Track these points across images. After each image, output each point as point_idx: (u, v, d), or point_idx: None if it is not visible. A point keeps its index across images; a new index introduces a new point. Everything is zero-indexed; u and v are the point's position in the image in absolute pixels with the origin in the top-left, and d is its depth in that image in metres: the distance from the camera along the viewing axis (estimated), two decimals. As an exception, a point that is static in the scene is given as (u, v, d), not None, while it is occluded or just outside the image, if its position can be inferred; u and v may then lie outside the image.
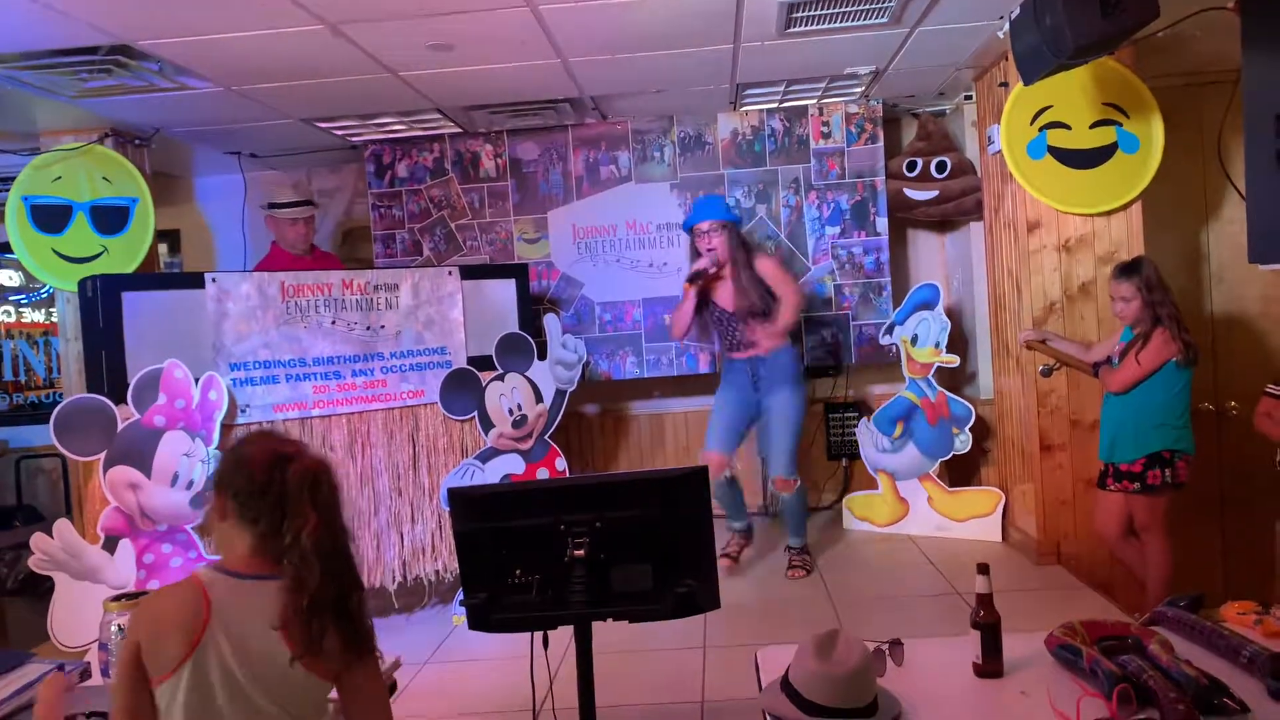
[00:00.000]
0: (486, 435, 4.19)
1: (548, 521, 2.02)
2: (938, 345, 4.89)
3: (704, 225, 4.34)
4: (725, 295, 4.40)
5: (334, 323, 3.92)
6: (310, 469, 1.75)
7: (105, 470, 3.33)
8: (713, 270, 4.31)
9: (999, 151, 4.31)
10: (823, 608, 3.94)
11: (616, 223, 5.39)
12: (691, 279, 4.33)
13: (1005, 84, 4.32)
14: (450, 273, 4.28)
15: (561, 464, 4.39)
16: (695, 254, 4.43)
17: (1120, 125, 4.14)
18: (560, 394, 4.42)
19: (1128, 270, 3.74)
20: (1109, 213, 4.22)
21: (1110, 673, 1.77)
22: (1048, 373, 4.24)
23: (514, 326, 4.41)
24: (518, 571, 2.05)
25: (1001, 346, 4.77)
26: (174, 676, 1.62)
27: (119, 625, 2.48)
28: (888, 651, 2.00)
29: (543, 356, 4.38)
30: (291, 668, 1.68)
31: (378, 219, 5.47)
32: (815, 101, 5.23)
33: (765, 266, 4.39)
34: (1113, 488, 3.80)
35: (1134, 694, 1.71)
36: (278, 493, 1.70)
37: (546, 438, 4.37)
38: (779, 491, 4.42)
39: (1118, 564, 4.00)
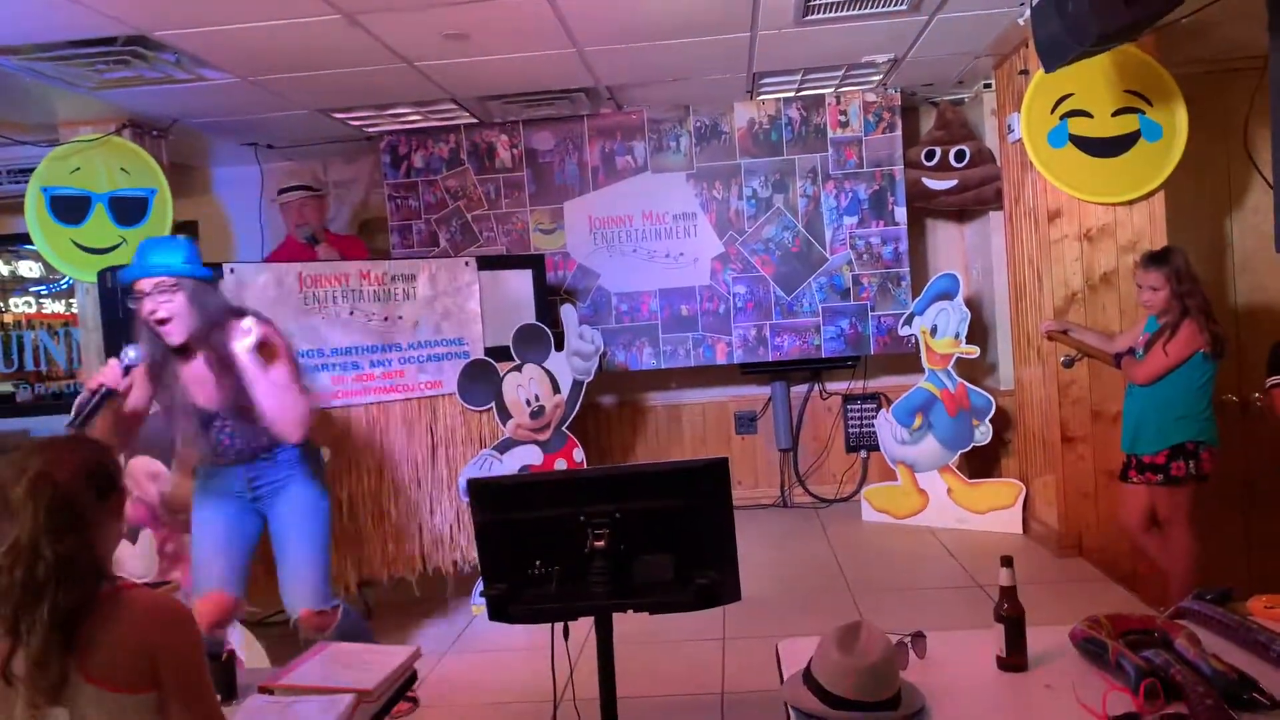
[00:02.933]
0: (504, 426, 4.19)
1: (568, 512, 2.02)
2: (957, 336, 4.86)
3: (146, 284, 2.74)
4: (201, 386, 2.86)
5: (352, 313, 3.92)
6: (30, 482, 1.55)
7: (127, 460, 3.35)
8: (115, 386, 2.66)
9: (1019, 140, 4.27)
10: (843, 600, 3.93)
11: (633, 213, 5.38)
12: (98, 401, 2.62)
13: (1025, 72, 4.27)
14: (467, 263, 4.28)
15: (579, 455, 4.39)
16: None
17: (1143, 113, 4.09)
18: (577, 385, 4.41)
19: (1157, 259, 3.69)
20: (1131, 202, 4.18)
21: (1137, 667, 1.75)
22: (1069, 364, 4.21)
23: (531, 317, 4.40)
24: (538, 562, 2.04)
25: (1022, 337, 4.73)
26: None
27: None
28: (910, 644, 1.99)
29: (560, 347, 4.37)
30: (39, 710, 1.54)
31: (394, 210, 5.46)
32: (833, 90, 5.19)
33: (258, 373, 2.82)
34: (1135, 480, 3.77)
35: (1161, 688, 1.69)
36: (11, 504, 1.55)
37: (564, 428, 4.36)
38: (311, 633, 2.97)
39: (1140, 556, 3.97)
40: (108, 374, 2.64)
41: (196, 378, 2.84)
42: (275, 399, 2.80)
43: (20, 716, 1.52)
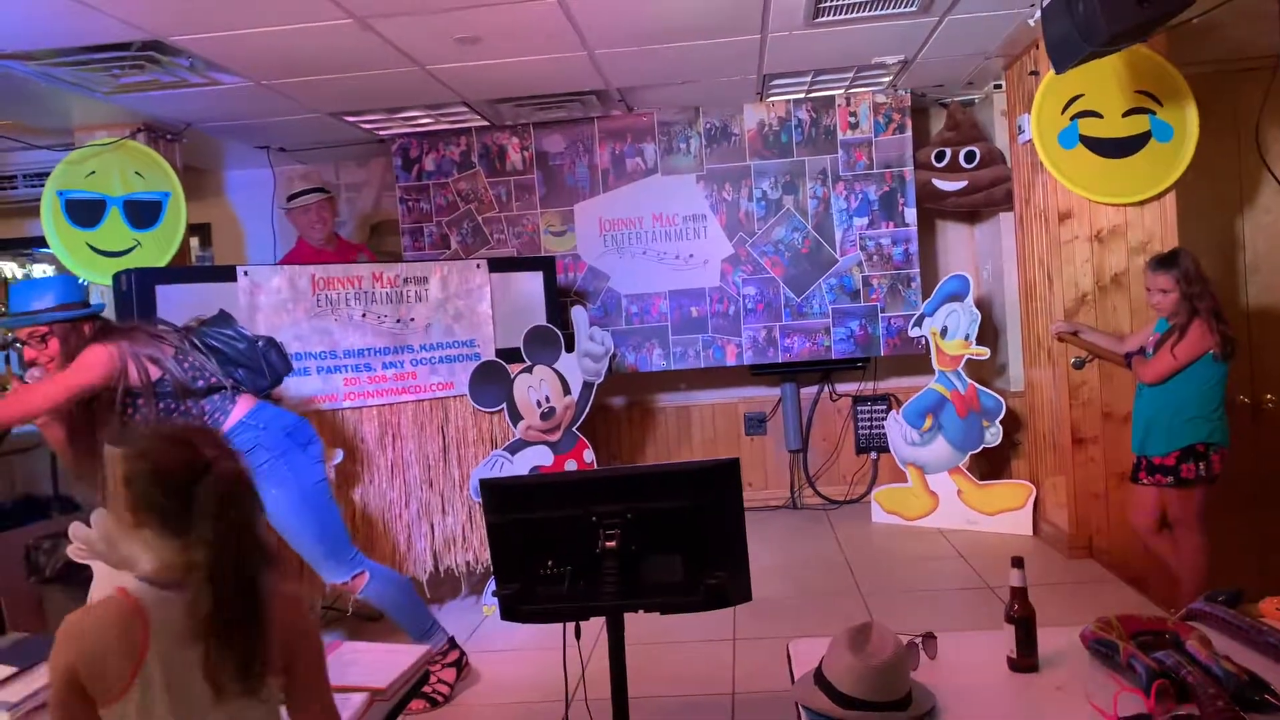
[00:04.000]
0: (515, 427, 4.21)
1: (579, 513, 2.03)
2: (967, 337, 4.86)
3: (21, 332, 2.93)
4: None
5: (364, 315, 3.94)
6: (225, 479, 1.58)
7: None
8: None
9: (1029, 141, 4.27)
10: (853, 601, 3.93)
11: (643, 215, 5.39)
12: None
13: (1036, 72, 4.27)
14: (478, 266, 4.30)
15: (589, 456, 4.40)
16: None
17: (1154, 114, 4.08)
18: (588, 386, 4.42)
19: (1165, 262, 3.69)
20: (1142, 202, 4.17)
21: (1148, 668, 1.75)
22: (1080, 365, 4.20)
23: (541, 319, 4.42)
24: (549, 563, 2.06)
25: (1032, 338, 4.73)
26: (115, 707, 1.51)
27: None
28: (921, 645, 2.00)
29: (570, 349, 4.39)
30: (220, 703, 1.56)
31: (405, 212, 5.49)
32: (843, 91, 5.20)
33: None
34: (1146, 481, 3.76)
35: (1173, 690, 1.69)
36: (192, 507, 1.54)
37: (575, 429, 4.38)
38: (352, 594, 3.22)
39: (1151, 558, 3.96)
40: None
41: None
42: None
43: (161, 703, 1.51)
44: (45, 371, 2.88)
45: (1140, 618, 2.04)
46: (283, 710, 1.69)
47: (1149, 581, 4.01)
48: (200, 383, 3.02)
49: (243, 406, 3.09)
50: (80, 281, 2.96)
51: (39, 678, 2.27)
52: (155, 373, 2.95)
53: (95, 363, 2.86)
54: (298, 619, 1.69)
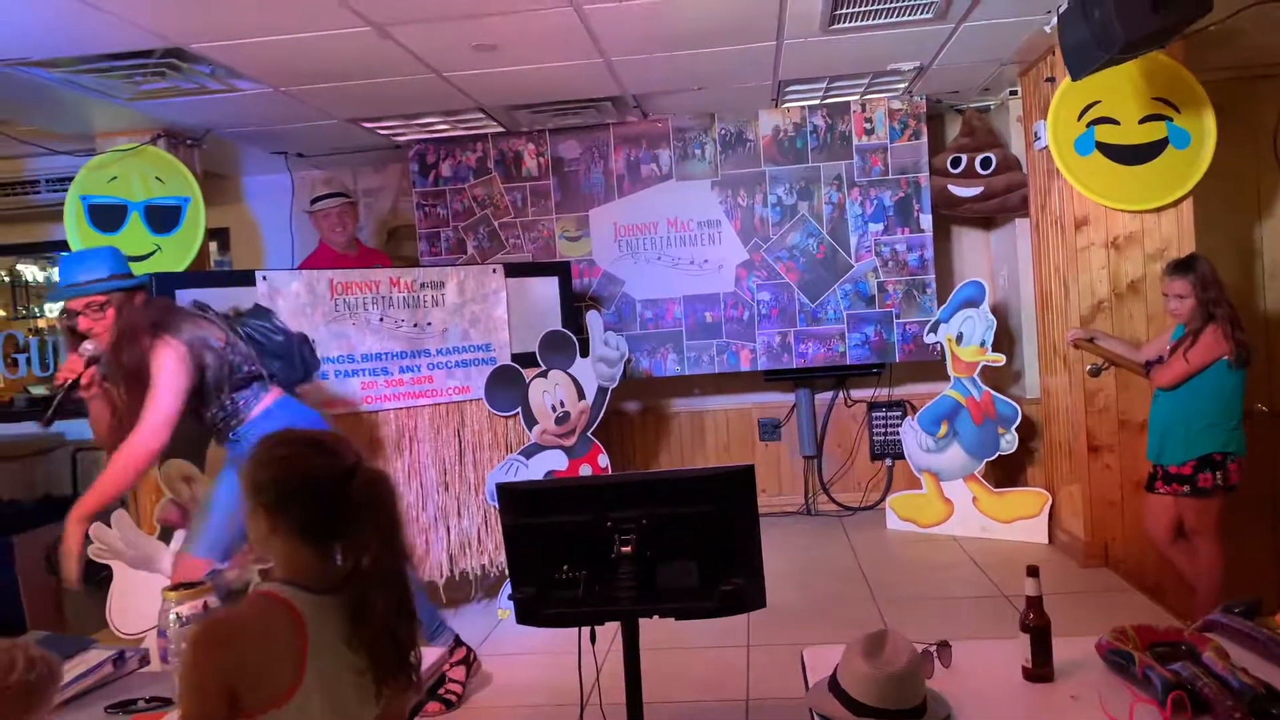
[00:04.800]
0: (530, 431, 4.22)
1: (595, 518, 2.04)
2: (983, 344, 4.85)
3: (77, 303, 2.84)
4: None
5: (382, 320, 3.97)
6: (373, 482, 1.59)
7: (160, 463, 3.41)
8: (80, 377, 2.84)
9: (1045, 147, 4.26)
10: (867, 608, 3.93)
11: (657, 220, 5.40)
12: (62, 394, 2.84)
13: (1052, 79, 4.26)
14: (494, 270, 4.32)
15: (604, 460, 4.41)
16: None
17: (1171, 120, 4.07)
18: (602, 391, 4.44)
19: (1182, 267, 3.67)
20: (1159, 209, 4.16)
21: (1164, 679, 1.75)
22: (1096, 372, 4.19)
23: (557, 324, 4.44)
24: (565, 567, 2.07)
25: (1048, 345, 4.71)
26: (283, 708, 1.47)
27: (177, 614, 2.54)
28: (935, 653, 2.00)
29: (585, 354, 4.40)
30: (376, 705, 1.58)
31: (422, 218, 5.52)
32: (858, 98, 5.20)
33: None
34: (1162, 490, 3.74)
35: (1188, 701, 1.69)
36: (343, 512, 1.54)
37: (589, 434, 4.39)
38: None
39: (1167, 567, 3.94)
40: (66, 368, 2.81)
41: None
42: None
43: (319, 707, 1.51)
44: (98, 343, 2.82)
45: (1156, 628, 2.04)
46: None
47: (1165, 591, 3.99)
48: (243, 371, 3.01)
49: (270, 397, 3.11)
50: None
51: (67, 671, 2.31)
52: (209, 359, 2.92)
53: (176, 372, 2.81)
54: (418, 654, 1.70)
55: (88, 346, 2.81)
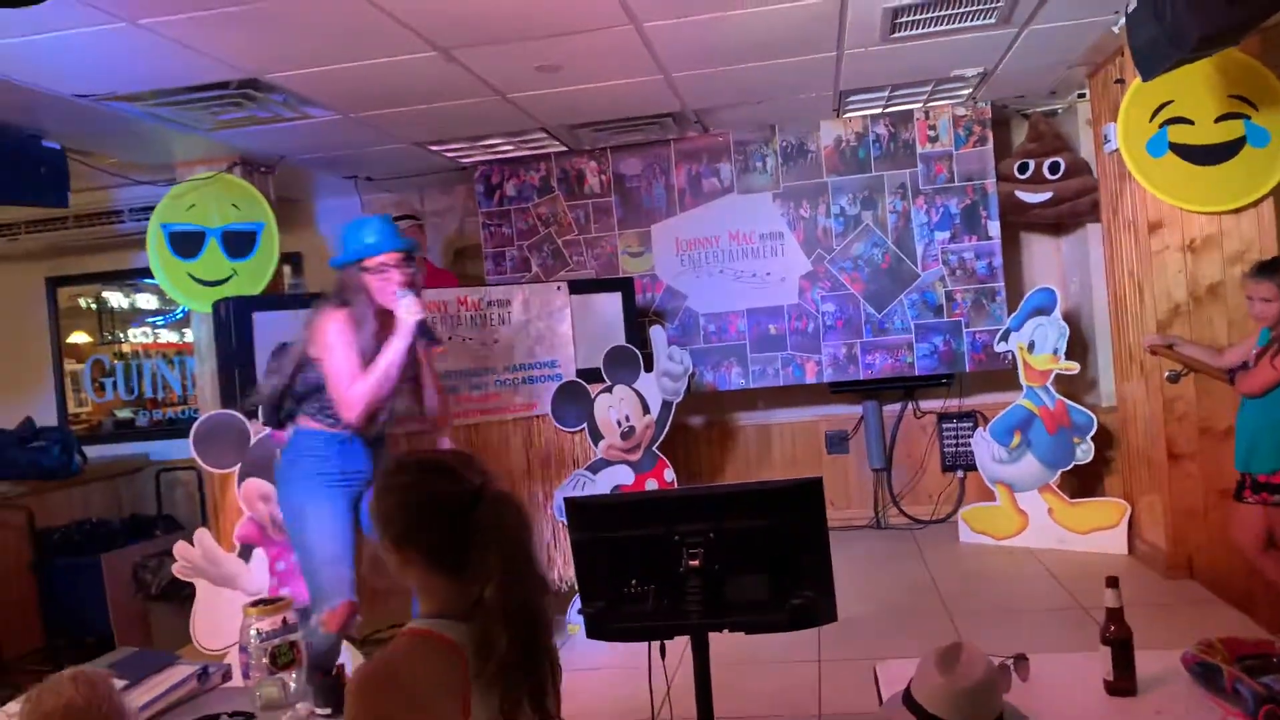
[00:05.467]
0: (596, 446, 4.25)
1: (662, 532, 2.04)
2: (1056, 352, 4.75)
3: (390, 258, 3.05)
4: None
5: (450, 338, 4.04)
6: (499, 506, 1.50)
7: (240, 482, 3.51)
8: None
9: (1116, 150, 4.17)
10: (940, 621, 3.86)
11: (719, 234, 5.41)
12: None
13: (1121, 80, 4.17)
14: (559, 288, 4.37)
15: (670, 475, 4.42)
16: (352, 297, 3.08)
17: (1249, 118, 3.95)
18: (667, 405, 4.45)
19: (1268, 269, 3.55)
20: (1238, 210, 4.03)
21: (1255, 693, 1.69)
22: (1175, 379, 4.07)
23: (620, 339, 4.47)
24: (633, 581, 2.07)
25: (1124, 352, 4.59)
26: None
27: (258, 630, 2.61)
28: (1013, 666, 1.96)
29: (649, 368, 4.42)
30: None
31: (488, 237, 5.61)
32: (921, 105, 5.15)
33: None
34: (1250, 499, 3.62)
35: (1281, 715, 1.63)
36: (470, 538, 1.46)
37: (654, 449, 4.40)
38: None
39: (1256, 578, 3.80)
40: (415, 308, 2.99)
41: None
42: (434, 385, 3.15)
43: None
44: (416, 296, 3.00)
45: (1245, 640, 1.98)
46: None
47: (1254, 604, 3.84)
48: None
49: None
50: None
51: (146, 691, 2.39)
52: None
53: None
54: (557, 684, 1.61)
55: (410, 301, 2.98)
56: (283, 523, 3.19)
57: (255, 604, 2.68)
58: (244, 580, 3.51)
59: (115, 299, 6.65)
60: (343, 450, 3.06)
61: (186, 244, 4.80)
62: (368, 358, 2.98)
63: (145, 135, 4.36)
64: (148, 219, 4.85)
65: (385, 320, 3.03)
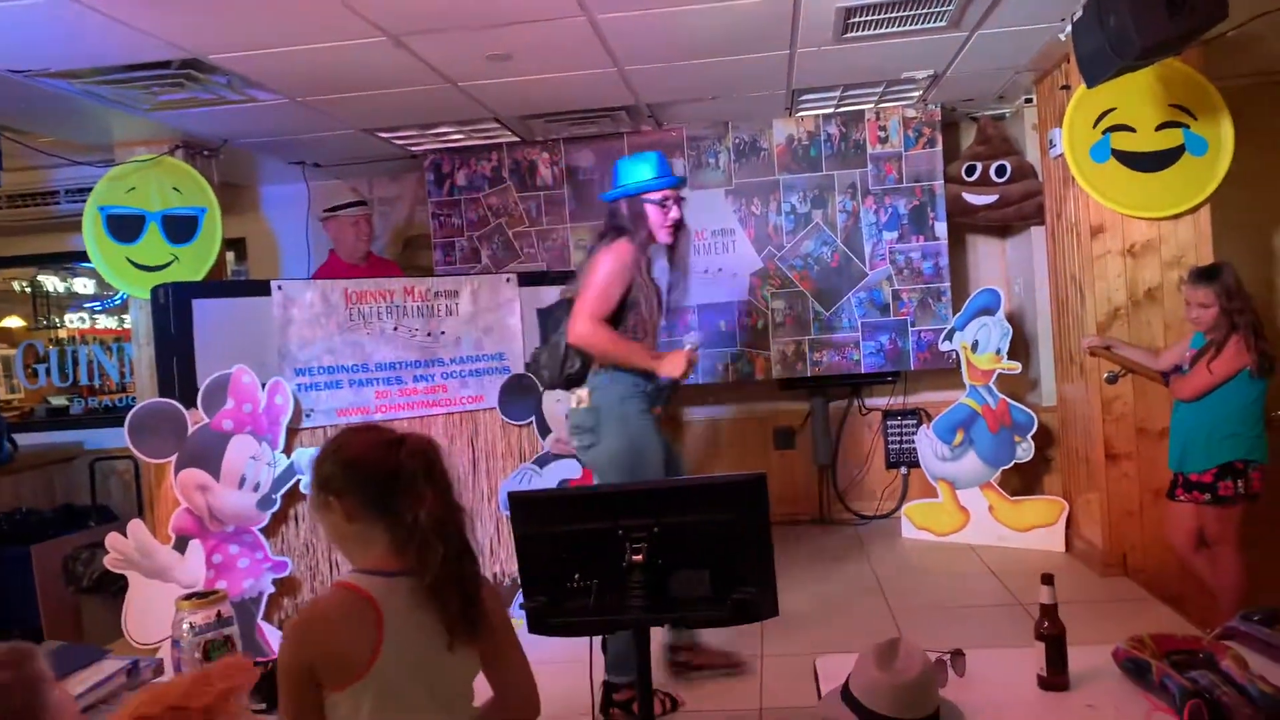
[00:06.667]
0: (544, 440, 4.22)
1: (606, 526, 2.04)
2: (999, 352, 4.82)
3: (674, 191, 3.25)
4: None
5: (396, 329, 3.98)
6: (422, 449, 1.75)
7: (176, 472, 3.43)
8: None
9: (1061, 155, 4.24)
10: (881, 617, 3.90)
11: (672, 229, 5.40)
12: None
13: (1067, 86, 4.25)
14: (508, 280, 4.33)
15: (617, 469, 4.41)
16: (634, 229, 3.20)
17: (1188, 127, 4.04)
18: (616, 400, 4.43)
19: (1206, 276, 3.64)
20: (1176, 216, 4.13)
21: (1182, 687, 1.73)
22: (1113, 380, 4.16)
23: (571, 333, 4.43)
24: (576, 575, 2.06)
25: (1065, 353, 4.69)
26: (354, 687, 1.64)
27: (191, 623, 2.56)
28: (949, 662, 1.98)
29: (599, 362, 4.40)
30: (452, 653, 1.72)
31: (437, 227, 5.55)
32: (872, 106, 5.19)
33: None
34: (1183, 498, 3.71)
35: (1206, 711, 1.67)
36: (403, 478, 1.71)
37: (603, 443, 4.38)
38: None
39: (1187, 576, 3.90)
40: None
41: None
42: None
43: (401, 675, 1.66)
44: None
45: (1174, 636, 2.02)
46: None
47: (1186, 600, 3.95)
48: None
49: None
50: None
51: (74, 686, 2.32)
52: None
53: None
54: (495, 597, 1.87)
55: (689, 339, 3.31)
56: (603, 465, 3.21)
57: (188, 597, 2.63)
58: (178, 573, 3.42)
59: (51, 283, 6.46)
60: (649, 391, 3.23)
61: (125, 228, 4.68)
62: (645, 292, 3.15)
63: (83, 114, 4.23)
64: (84, 201, 4.70)
65: (651, 257, 3.25)
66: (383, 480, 1.71)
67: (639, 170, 3.22)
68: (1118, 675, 1.95)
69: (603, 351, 3.12)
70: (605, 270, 3.10)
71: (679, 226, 3.25)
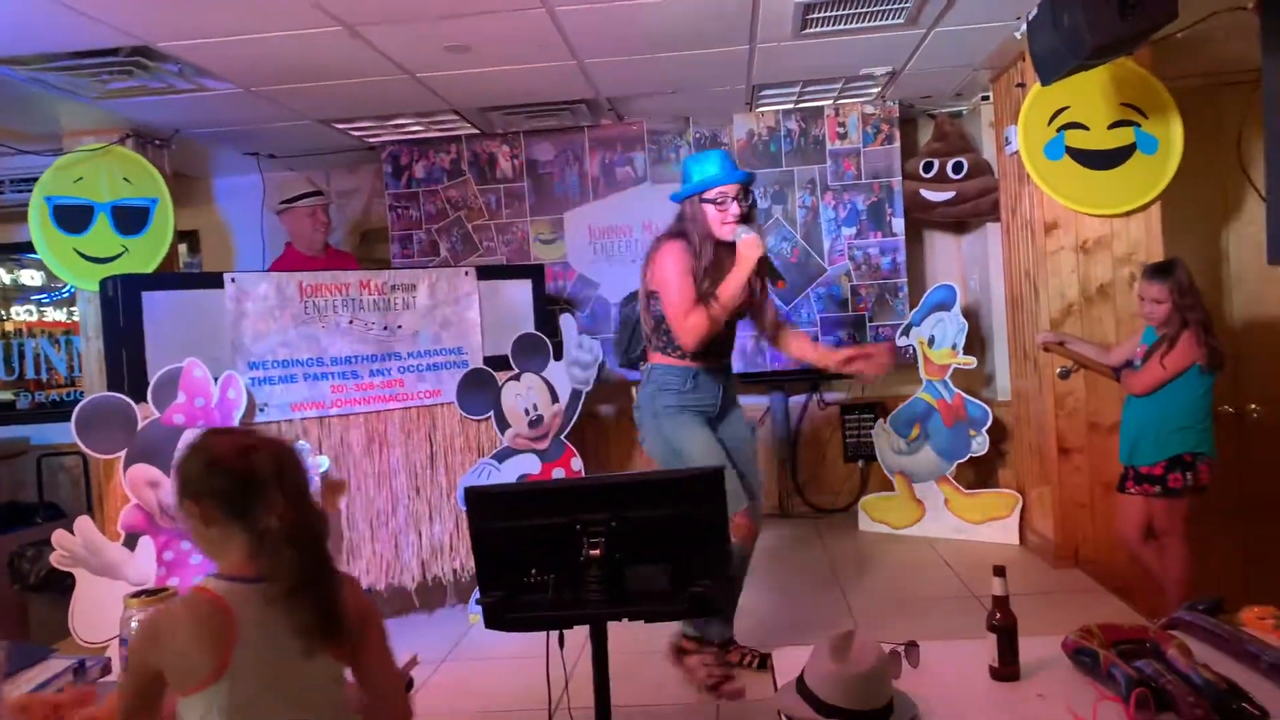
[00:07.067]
0: (503, 435, 4.20)
1: (563, 521, 2.03)
2: (954, 347, 4.88)
3: (730, 188, 3.20)
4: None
5: (351, 322, 3.94)
6: (274, 454, 1.72)
7: (126, 468, 3.36)
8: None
9: (1016, 152, 4.30)
10: (838, 609, 3.94)
11: (632, 223, 5.40)
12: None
13: (1023, 85, 4.30)
14: (467, 273, 4.30)
15: (577, 464, 4.40)
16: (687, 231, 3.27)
17: (1139, 126, 4.11)
18: (576, 394, 4.42)
19: (1160, 272, 3.69)
20: (1128, 214, 4.20)
21: (1128, 676, 1.76)
22: (1066, 375, 4.22)
23: (530, 327, 4.42)
24: (533, 571, 2.06)
25: (1019, 348, 4.75)
26: (205, 692, 1.61)
27: (139, 621, 2.50)
28: (903, 653, 2.00)
29: (559, 357, 4.39)
30: (310, 661, 1.68)
31: (395, 220, 5.49)
32: (831, 102, 5.22)
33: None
34: (1133, 491, 3.78)
35: (1152, 698, 1.70)
36: (255, 483, 1.67)
37: (563, 438, 4.37)
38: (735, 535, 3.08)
39: (1136, 567, 3.97)
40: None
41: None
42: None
43: (252, 683, 1.64)
44: (753, 230, 3.19)
45: (1122, 626, 2.06)
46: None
47: (1134, 591, 4.02)
48: None
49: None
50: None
51: (17, 686, 2.27)
52: None
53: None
54: (358, 593, 1.84)
55: (750, 236, 3.15)
56: (654, 458, 3.29)
57: (137, 595, 2.57)
58: (128, 570, 3.36)
59: (-4, 274, 6.30)
60: (695, 384, 3.25)
61: (73, 218, 4.57)
62: (701, 288, 3.15)
63: (29, 102, 4.12)
64: (30, 191, 4.58)
65: (719, 254, 3.20)
66: (236, 485, 1.67)
67: (698, 169, 3.23)
68: (1067, 665, 1.98)
69: (716, 319, 3.18)
70: (666, 272, 3.19)
71: (748, 220, 3.24)
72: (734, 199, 3.18)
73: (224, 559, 1.72)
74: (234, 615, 1.64)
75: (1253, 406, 4.73)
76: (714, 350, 3.30)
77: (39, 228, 4.51)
